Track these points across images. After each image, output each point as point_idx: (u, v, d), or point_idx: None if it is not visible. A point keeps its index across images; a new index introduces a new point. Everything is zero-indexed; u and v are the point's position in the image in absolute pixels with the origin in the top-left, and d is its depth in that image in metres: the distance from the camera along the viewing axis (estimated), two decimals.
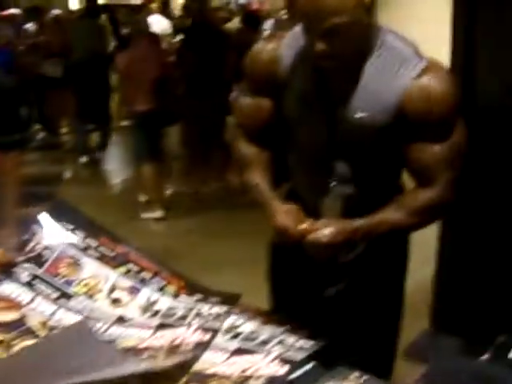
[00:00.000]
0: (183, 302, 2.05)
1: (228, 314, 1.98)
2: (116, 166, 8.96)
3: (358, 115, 2.07)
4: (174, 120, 6.81)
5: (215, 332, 1.86)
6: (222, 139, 6.63)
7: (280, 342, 1.88)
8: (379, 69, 2.06)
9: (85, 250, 2.14)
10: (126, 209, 6.63)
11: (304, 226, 2.04)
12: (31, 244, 2.15)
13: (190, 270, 4.98)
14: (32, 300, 2.01)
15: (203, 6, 7.12)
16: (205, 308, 2.00)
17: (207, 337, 1.83)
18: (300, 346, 1.85)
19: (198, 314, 1.97)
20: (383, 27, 2.11)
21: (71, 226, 2.20)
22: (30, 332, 1.89)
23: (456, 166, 2.10)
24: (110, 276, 2.10)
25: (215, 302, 2.04)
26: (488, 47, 3.31)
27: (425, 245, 3.73)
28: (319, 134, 2.18)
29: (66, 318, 1.96)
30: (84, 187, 7.46)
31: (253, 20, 8.36)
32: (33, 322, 1.93)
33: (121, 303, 2.03)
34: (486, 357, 1.95)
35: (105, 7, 12.42)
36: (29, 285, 2.05)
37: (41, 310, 1.98)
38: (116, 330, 1.92)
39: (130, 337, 1.87)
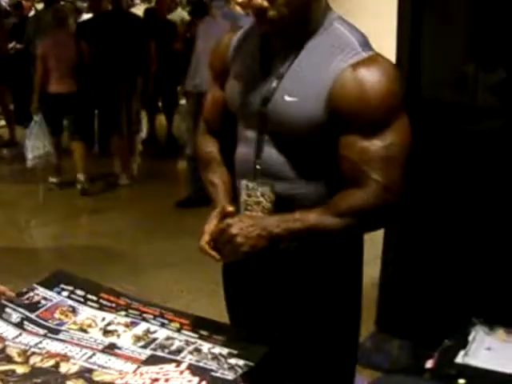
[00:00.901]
0: (184, 335, 1.85)
1: (229, 356, 1.76)
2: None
3: (287, 99, 1.91)
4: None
5: (206, 376, 1.65)
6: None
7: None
8: (318, 51, 1.91)
9: (84, 301, 2.02)
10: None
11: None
12: (28, 294, 2.03)
13: (130, 270, 4.91)
14: (18, 335, 1.85)
15: None
16: (206, 345, 1.81)
17: (194, 382, 1.62)
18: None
19: (197, 350, 1.78)
20: (335, 12, 1.97)
21: (70, 288, 2.08)
22: (7, 358, 1.74)
23: (394, 168, 1.86)
24: (108, 316, 1.95)
25: (220, 340, 1.84)
26: (433, 41, 3.28)
27: (374, 243, 3.68)
28: (251, 117, 2.03)
29: (51, 346, 1.80)
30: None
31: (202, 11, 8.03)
32: (13, 351, 1.77)
33: (115, 333, 1.86)
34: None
35: None
36: (19, 324, 1.89)
37: (25, 342, 1.82)
38: (100, 358, 1.75)
39: (110, 369, 1.71)
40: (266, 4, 1.86)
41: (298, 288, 2.09)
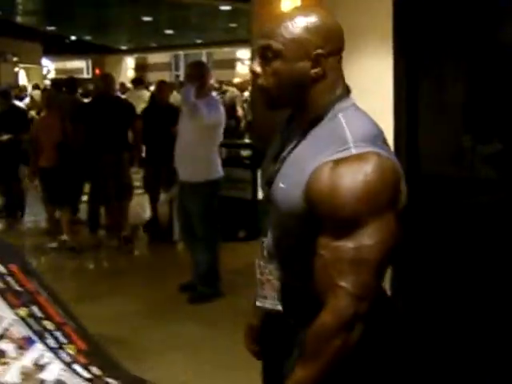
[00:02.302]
0: (75, 377, 1.59)
1: None
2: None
3: (280, 185, 1.89)
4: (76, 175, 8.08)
5: None
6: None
7: None
8: (315, 142, 1.87)
9: None
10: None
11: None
12: None
13: (132, 356, 4.85)
14: None
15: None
16: None
17: None
18: None
19: None
20: (350, 101, 1.91)
21: None
22: None
23: (365, 272, 1.75)
24: (6, 318, 1.66)
25: None
26: (429, 117, 3.31)
27: None
28: (265, 198, 2.05)
29: None
30: None
31: None
32: None
33: (4, 358, 1.62)
34: None
35: None
36: None
37: None
38: None
39: None
40: (258, 70, 1.89)
41: None
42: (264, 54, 1.87)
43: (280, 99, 1.91)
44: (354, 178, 1.73)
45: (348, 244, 1.74)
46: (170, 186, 7.98)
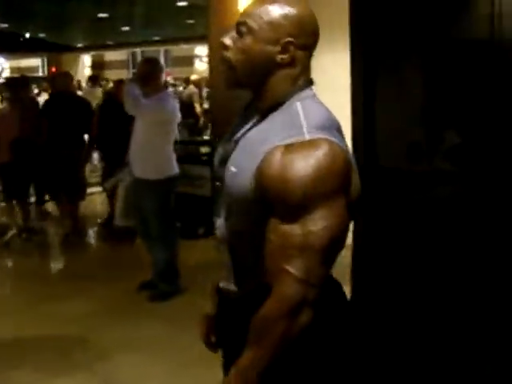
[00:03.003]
0: None
1: None
2: None
3: (231, 169, 1.90)
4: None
5: None
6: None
7: None
8: (268, 127, 1.88)
9: None
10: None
11: None
12: None
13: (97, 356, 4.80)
14: None
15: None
16: None
17: None
18: None
19: None
20: (310, 92, 1.93)
21: None
22: None
23: (312, 258, 1.76)
24: None
25: None
26: (387, 109, 3.33)
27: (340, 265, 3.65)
28: (216, 180, 2.05)
29: None
30: None
31: None
32: None
33: None
34: None
35: None
36: None
37: None
38: None
39: None
40: (228, 42, 1.92)
41: None
42: (239, 30, 1.90)
43: (242, 77, 1.93)
44: (305, 163, 1.74)
45: (296, 229, 1.75)
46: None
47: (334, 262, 1.85)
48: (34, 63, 32.66)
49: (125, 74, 26.65)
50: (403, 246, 3.34)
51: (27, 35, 27.17)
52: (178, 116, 5.97)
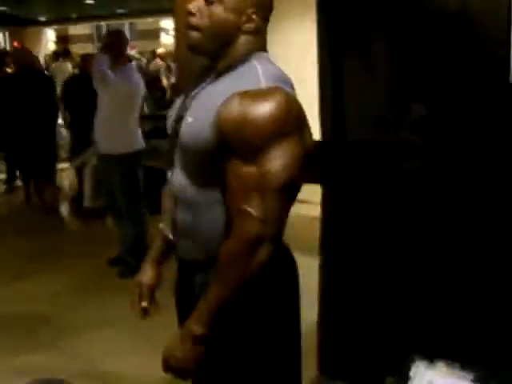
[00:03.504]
0: None
1: None
2: None
3: (188, 120, 2.03)
4: None
5: None
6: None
7: None
8: (226, 81, 2.02)
9: None
10: None
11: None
12: None
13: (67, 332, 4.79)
14: None
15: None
16: None
17: None
18: None
19: None
20: (266, 55, 2.09)
21: None
22: None
23: (269, 197, 1.87)
24: None
25: None
26: (355, 82, 3.33)
27: (309, 290, 3.68)
28: (171, 135, 2.16)
29: None
30: None
31: None
32: None
33: None
34: None
35: None
36: None
37: None
38: None
39: None
40: (195, 9, 2.04)
41: (233, 331, 2.07)
42: None
43: (207, 42, 2.05)
44: (262, 106, 1.87)
45: (254, 170, 1.87)
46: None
47: (291, 202, 1.97)
48: None
49: (90, 48, 26.31)
50: (372, 219, 3.36)
51: None
52: (143, 89, 5.94)
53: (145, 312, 2.37)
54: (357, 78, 3.35)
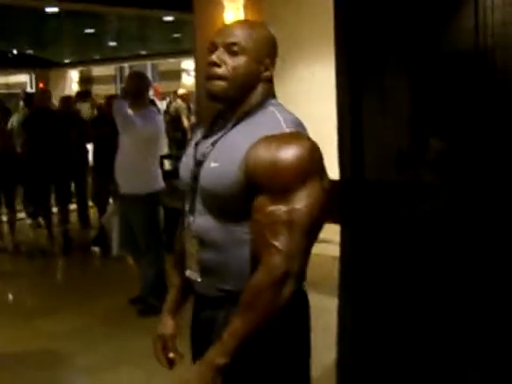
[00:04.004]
0: None
1: None
2: None
3: (212, 165, 2.12)
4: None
5: None
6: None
7: None
8: (247, 127, 2.13)
9: None
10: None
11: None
12: None
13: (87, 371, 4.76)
14: None
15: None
16: None
17: None
18: None
19: None
20: (277, 100, 2.23)
21: None
22: None
23: (296, 234, 1.99)
24: None
25: None
26: (373, 121, 3.33)
27: (328, 330, 3.65)
28: (188, 184, 2.25)
29: None
30: None
31: None
32: None
33: None
34: None
35: None
36: None
37: None
38: None
39: None
40: (219, 60, 2.14)
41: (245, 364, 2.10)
42: (230, 49, 2.13)
43: (231, 92, 2.15)
44: (289, 149, 2.01)
45: (281, 208, 1.99)
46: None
47: (314, 239, 2.08)
48: (23, 79, 32.57)
49: (113, 89, 26.61)
50: (390, 260, 3.34)
51: (15, 51, 27.14)
52: (163, 131, 6.03)
53: (172, 363, 2.43)
54: (375, 116, 3.36)
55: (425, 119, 3.27)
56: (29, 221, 9.59)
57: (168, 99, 17.65)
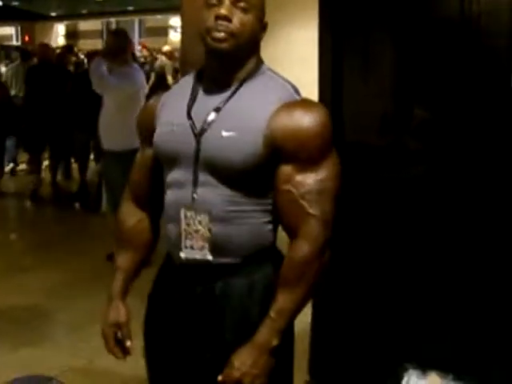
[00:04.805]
0: None
1: None
2: None
3: (224, 134, 2.00)
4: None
5: None
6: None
7: None
8: (255, 91, 2.05)
9: None
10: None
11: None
12: None
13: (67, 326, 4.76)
14: None
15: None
16: None
17: None
18: None
19: None
20: (269, 68, 2.14)
21: None
22: None
23: (328, 201, 2.00)
24: None
25: None
26: (354, 85, 3.30)
27: None
28: (184, 156, 2.08)
29: None
30: None
31: None
32: None
33: None
34: None
35: None
36: None
37: None
38: None
39: None
40: (230, 14, 1.99)
41: (224, 337, 2.08)
42: (238, 5, 2.00)
43: (239, 49, 2.02)
44: (313, 118, 1.98)
45: (312, 176, 1.98)
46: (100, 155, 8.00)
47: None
48: (8, 32, 32.21)
49: (99, 44, 26.38)
50: (370, 221, 3.34)
51: (0, 3, 26.80)
52: (144, 88, 6.12)
53: (127, 352, 2.31)
54: (357, 81, 3.33)
55: (409, 86, 3.25)
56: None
57: (152, 56, 17.48)
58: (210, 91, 2.09)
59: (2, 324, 4.90)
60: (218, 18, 1.99)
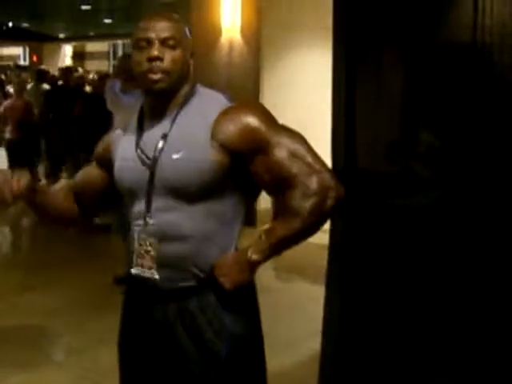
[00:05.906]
0: None
1: None
2: None
3: (175, 157, 2.17)
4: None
5: None
6: None
7: None
8: (193, 111, 2.24)
9: None
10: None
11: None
12: None
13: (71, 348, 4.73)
14: None
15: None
16: None
17: None
18: None
19: None
20: (201, 86, 2.35)
21: None
22: None
23: (310, 155, 2.18)
24: None
25: None
26: (366, 112, 3.33)
27: (314, 319, 3.65)
28: (140, 184, 2.25)
29: None
30: None
31: None
32: None
33: None
34: None
35: None
36: None
37: None
38: None
39: None
40: (162, 55, 2.20)
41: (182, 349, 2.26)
42: (167, 44, 2.20)
43: (174, 83, 2.24)
44: (251, 110, 2.21)
45: (282, 151, 2.16)
46: None
47: None
48: (16, 52, 32.38)
49: (105, 65, 26.50)
50: (380, 249, 3.33)
51: (10, 24, 26.97)
52: None
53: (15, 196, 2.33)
54: (370, 107, 3.35)
55: (420, 115, 3.27)
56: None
57: None
58: (154, 122, 2.28)
59: (7, 345, 4.89)
60: (150, 59, 2.20)
